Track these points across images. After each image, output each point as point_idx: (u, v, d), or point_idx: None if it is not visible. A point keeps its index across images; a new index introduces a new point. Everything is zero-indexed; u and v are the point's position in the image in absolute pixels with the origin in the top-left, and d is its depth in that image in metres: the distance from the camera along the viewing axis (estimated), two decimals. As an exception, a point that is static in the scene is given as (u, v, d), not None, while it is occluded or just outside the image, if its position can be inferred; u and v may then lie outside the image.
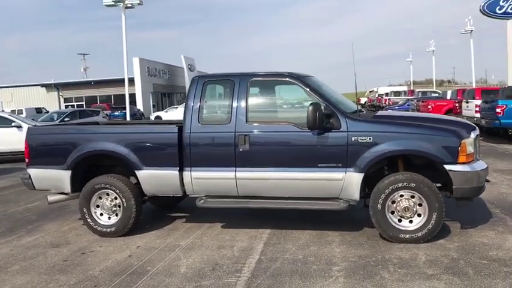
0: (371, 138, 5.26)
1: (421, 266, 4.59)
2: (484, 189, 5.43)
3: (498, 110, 14.08)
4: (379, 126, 5.39)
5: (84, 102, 49.52)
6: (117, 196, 5.97)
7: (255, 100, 5.94)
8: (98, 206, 6.06)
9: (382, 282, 4.25)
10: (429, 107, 22.09)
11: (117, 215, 6.02)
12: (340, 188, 5.39)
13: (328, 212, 6.10)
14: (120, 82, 47.28)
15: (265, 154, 5.57)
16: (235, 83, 5.74)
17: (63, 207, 7.70)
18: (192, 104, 5.81)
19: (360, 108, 6.50)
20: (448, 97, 25.45)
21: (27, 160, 6.30)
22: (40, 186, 6.35)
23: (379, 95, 48.74)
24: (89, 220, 6.05)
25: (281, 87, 6.17)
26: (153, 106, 49.96)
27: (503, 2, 26.56)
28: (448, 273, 4.38)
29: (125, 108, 40.31)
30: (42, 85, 52.41)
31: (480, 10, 26.98)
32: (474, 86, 36.66)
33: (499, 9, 26.67)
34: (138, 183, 6.09)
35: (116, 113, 37.00)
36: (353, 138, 5.30)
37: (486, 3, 26.89)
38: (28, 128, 6.45)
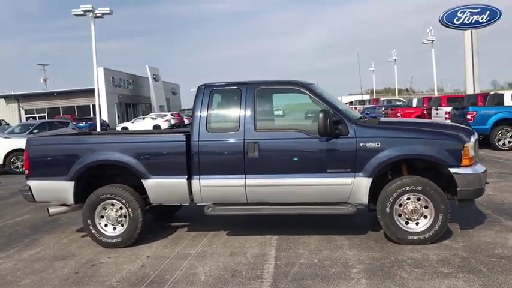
0: (378, 143, 5.43)
1: (435, 265, 4.76)
2: (484, 191, 5.68)
3: (469, 117, 14.63)
4: (386, 131, 5.57)
5: (46, 114, 48.20)
6: (123, 206, 5.89)
7: (263, 108, 6.02)
8: (102, 217, 5.97)
9: (403, 281, 4.39)
10: (398, 114, 22.79)
11: (122, 225, 5.94)
12: (349, 193, 5.52)
13: (331, 217, 6.23)
14: (83, 93, 46.61)
15: (275, 161, 5.65)
16: (243, 91, 5.81)
17: (55, 219, 7.51)
18: (200, 113, 5.83)
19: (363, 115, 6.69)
20: (414, 105, 26.40)
21: (27, 172, 6.13)
22: (41, 198, 6.19)
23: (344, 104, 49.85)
24: (93, 231, 5.93)
25: (288, 95, 6.28)
26: (118, 117, 49.30)
27: (460, 13, 27.81)
28: (463, 271, 4.56)
29: (89, 119, 39.77)
30: (1, 96, 50.75)
31: (439, 21, 28.17)
32: (436, 94, 38.04)
33: (457, 20, 27.90)
34: (141, 192, 6.05)
35: (81, 124, 36.18)
36: (361, 144, 5.45)
37: (445, 14, 28.10)
38: (28, 139, 6.27)
